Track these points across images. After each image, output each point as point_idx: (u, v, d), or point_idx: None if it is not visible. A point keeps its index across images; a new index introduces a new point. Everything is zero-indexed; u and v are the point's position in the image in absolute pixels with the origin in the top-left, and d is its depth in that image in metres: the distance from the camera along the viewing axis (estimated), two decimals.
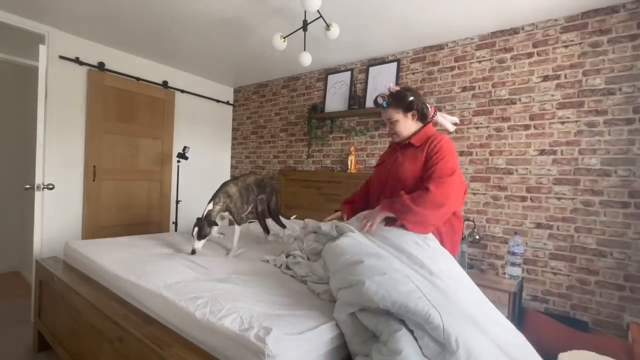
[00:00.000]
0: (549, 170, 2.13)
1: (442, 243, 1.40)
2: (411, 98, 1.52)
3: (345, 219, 1.73)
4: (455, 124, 1.65)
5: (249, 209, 2.28)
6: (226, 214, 2.08)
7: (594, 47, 2.00)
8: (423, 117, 1.58)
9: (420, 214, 1.34)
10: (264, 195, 2.40)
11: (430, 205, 1.34)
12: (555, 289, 2.09)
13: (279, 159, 3.68)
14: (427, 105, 1.59)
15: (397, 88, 1.56)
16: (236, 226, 2.12)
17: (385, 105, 1.54)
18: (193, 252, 1.93)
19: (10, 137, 3.56)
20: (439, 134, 1.53)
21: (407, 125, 1.55)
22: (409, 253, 1.30)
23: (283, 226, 2.47)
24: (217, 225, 1.99)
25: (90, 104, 2.80)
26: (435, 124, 1.66)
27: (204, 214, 1.97)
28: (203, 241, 1.95)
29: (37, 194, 2.40)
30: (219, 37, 2.65)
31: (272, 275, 1.66)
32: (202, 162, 3.75)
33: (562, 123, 2.09)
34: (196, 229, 1.91)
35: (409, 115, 1.54)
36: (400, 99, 1.52)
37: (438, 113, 1.65)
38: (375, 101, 1.57)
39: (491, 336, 1.05)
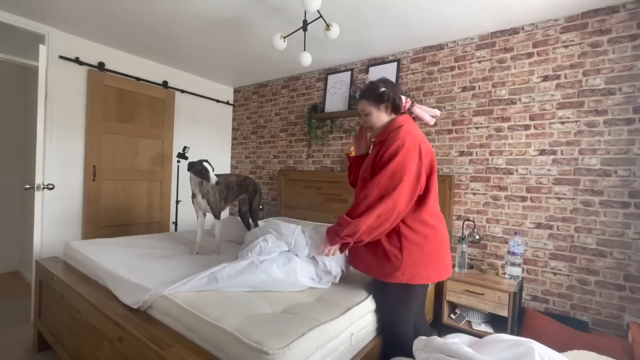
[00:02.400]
0: (549, 170, 2.13)
1: (402, 261, 1.36)
2: (383, 89, 1.44)
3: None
4: (434, 117, 1.57)
5: (227, 207, 2.30)
6: (204, 201, 2.09)
7: (594, 47, 2.01)
8: (396, 109, 1.50)
9: (349, 223, 1.34)
10: (246, 195, 2.41)
11: (353, 211, 1.36)
12: (555, 289, 2.09)
13: (279, 159, 3.68)
14: (401, 97, 1.50)
15: (374, 80, 1.50)
16: (216, 221, 2.14)
17: (358, 97, 1.51)
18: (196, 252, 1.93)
19: (10, 137, 3.56)
20: (400, 130, 1.40)
21: (380, 117, 1.49)
22: None
23: (257, 226, 2.43)
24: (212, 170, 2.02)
25: (90, 104, 2.80)
26: (414, 117, 1.58)
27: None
28: (214, 178, 1.97)
29: (37, 194, 2.40)
30: (219, 37, 2.65)
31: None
32: None
33: (562, 123, 2.09)
34: (210, 170, 1.96)
35: (382, 107, 1.47)
36: (372, 91, 1.47)
37: (416, 105, 1.55)
38: (351, 94, 1.55)
39: None
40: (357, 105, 1.55)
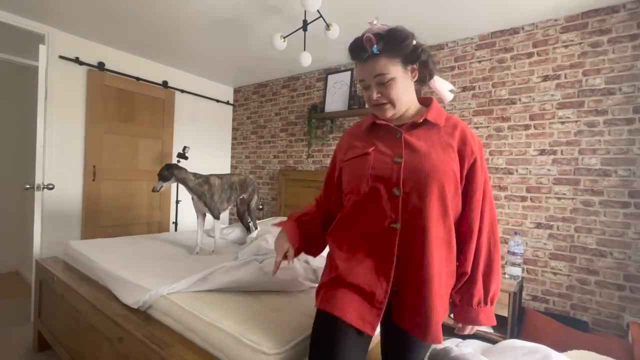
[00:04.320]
0: (549, 170, 2.13)
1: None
2: (414, 41, 0.92)
3: (289, 250, 1.07)
4: (451, 91, 1.07)
5: (229, 207, 2.31)
6: (198, 199, 2.11)
7: (594, 47, 2.00)
8: (426, 76, 0.99)
9: (498, 267, 0.95)
10: (245, 194, 2.43)
11: (496, 250, 0.95)
12: (555, 289, 2.09)
13: (279, 159, 3.68)
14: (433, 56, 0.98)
15: (388, 26, 0.92)
16: (215, 222, 2.14)
17: (375, 51, 0.88)
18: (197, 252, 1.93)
19: (10, 137, 3.56)
20: (455, 117, 0.99)
21: (406, 88, 0.94)
22: None
23: (256, 227, 2.51)
24: (182, 170, 2.05)
25: (90, 104, 2.80)
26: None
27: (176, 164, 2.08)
28: (163, 184, 2.00)
29: (37, 194, 2.40)
30: (219, 37, 2.65)
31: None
32: (202, 162, 3.75)
33: (562, 123, 2.09)
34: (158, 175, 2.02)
35: (409, 70, 0.93)
36: (398, 42, 0.89)
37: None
38: (358, 45, 0.90)
39: None
40: (363, 67, 0.92)
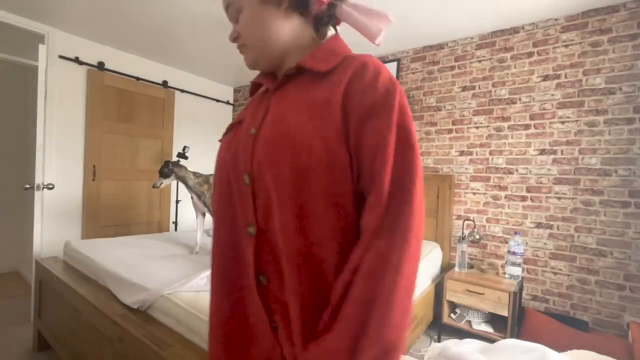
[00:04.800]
0: (549, 169, 2.13)
1: None
2: None
3: None
4: (380, 30, 0.61)
5: None
6: (197, 199, 2.13)
7: (594, 46, 2.00)
8: (302, 4, 0.62)
9: (397, 303, 0.47)
10: None
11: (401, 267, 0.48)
12: (555, 289, 2.09)
13: None
14: None
15: None
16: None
17: None
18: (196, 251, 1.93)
19: (10, 137, 3.56)
20: (370, 56, 0.57)
21: (266, 21, 0.62)
22: None
23: None
24: (179, 168, 2.08)
25: (90, 103, 2.80)
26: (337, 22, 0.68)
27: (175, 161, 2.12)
28: (163, 180, 2.05)
29: (37, 194, 2.39)
30: (219, 37, 2.65)
31: None
32: (202, 162, 3.75)
33: (562, 123, 2.09)
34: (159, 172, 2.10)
35: None
36: None
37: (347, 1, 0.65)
38: None
39: None
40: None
